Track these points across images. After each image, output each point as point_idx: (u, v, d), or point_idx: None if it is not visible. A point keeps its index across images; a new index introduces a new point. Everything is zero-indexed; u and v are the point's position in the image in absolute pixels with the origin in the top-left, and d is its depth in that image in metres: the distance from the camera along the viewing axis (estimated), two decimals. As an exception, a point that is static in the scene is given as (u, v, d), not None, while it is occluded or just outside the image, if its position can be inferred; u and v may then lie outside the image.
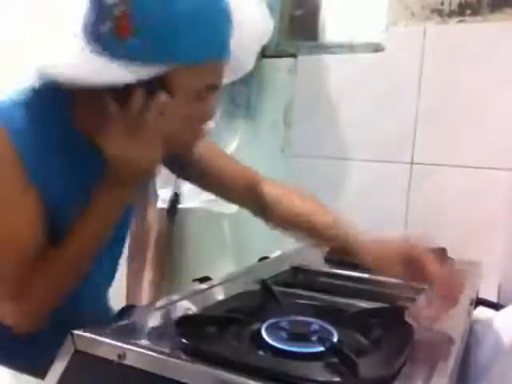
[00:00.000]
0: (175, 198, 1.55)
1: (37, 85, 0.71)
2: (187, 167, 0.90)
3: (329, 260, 0.95)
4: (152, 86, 0.64)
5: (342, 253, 0.86)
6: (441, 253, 0.82)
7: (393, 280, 0.84)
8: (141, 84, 0.63)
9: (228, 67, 0.72)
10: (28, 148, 0.68)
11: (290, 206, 0.93)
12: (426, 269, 0.70)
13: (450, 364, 0.52)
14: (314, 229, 0.88)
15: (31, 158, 0.68)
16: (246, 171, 0.96)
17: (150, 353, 0.49)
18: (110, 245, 0.77)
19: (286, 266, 0.89)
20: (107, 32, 0.62)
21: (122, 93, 0.64)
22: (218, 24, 0.67)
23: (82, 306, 0.78)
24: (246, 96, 1.61)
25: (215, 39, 0.67)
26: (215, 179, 0.93)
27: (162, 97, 0.65)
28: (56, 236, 0.71)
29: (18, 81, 0.72)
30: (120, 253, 0.91)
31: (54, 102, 0.72)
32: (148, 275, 1.72)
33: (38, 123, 0.70)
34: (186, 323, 0.54)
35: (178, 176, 0.98)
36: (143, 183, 0.75)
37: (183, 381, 0.47)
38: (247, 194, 0.94)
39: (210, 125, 0.79)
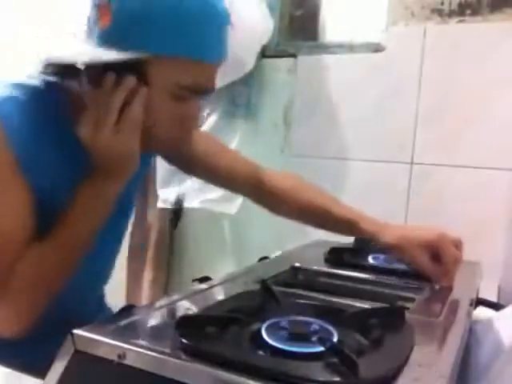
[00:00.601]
0: (179, 202, 1.56)
1: (36, 83, 0.72)
2: (186, 163, 0.91)
3: (329, 260, 0.94)
4: (126, 73, 0.66)
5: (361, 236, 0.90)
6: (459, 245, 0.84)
7: (393, 280, 0.84)
8: (115, 70, 0.65)
9: (218, 74, 0.71)
10: (20, 139, 0.68)
11: (298, 197, 0.96)
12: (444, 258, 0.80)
13: (450, 364, 0.52)
14: (328, 217, 0.92)
15: (23, 150, 0.68)
16: (248, 164, 0.98)
17: (149, 353, 0.49)
18: (106, 241, 0.77)
19: (286, 266, 0.89)
20: (93, 18, 0.66)
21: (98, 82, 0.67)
22: (199, 25, 0.66)
23: (77, 299, 0.77)
24: (246, 96, 1.60)
25: (194, 39, 0.66)
26: (218, 173, 0.94)
27: (131, 80, 0.66)
28: (46, 231, 0.70)
29: (16, 76, 0.73)
30: (115, 249, 0.90)
31: (51, 101, 0.73)
32: (148, 275, 1.72)
33: (32, 118, 0.70)
34: (186, 323, 0.54)
35: (183, 172, 1.00)
36: (130, 179, 0.74)
37: (183, 381, 0.47)
38: (251, 187, 0.97)
39: (198, 128, 0.80)
